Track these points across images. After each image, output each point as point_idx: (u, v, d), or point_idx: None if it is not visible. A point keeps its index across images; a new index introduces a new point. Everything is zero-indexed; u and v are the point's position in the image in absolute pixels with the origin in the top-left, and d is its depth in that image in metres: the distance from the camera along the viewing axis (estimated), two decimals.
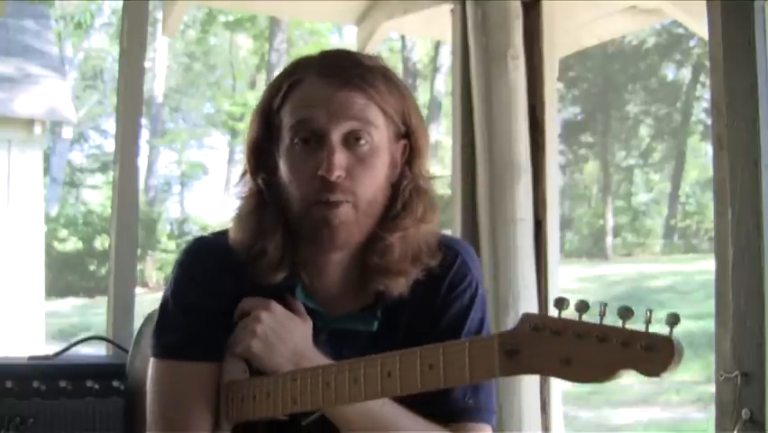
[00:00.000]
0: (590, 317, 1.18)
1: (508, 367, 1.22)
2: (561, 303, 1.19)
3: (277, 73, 1.59)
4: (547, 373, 1.21)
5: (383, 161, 1.49)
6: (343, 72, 1.46)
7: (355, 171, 1.45)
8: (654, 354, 1.12)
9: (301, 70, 1.50)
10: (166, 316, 1.55)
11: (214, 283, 1.52)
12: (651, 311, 1.14)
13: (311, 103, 1.46)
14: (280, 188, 1.50)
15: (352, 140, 1.46)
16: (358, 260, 1.51)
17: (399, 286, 1.48)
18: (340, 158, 1.44)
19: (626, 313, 1.15)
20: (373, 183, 1.47)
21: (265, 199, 1.51)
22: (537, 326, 1.20)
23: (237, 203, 1.55)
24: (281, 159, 1.50)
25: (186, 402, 1.49)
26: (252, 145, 1.53)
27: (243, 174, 1.56)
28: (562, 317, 1.19)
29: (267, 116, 1.52)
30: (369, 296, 1.51)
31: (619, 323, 1.15)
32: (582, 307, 1.17)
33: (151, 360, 1.54)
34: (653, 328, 1.14)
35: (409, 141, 1.53)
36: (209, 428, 1.50)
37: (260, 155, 1.53)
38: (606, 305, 1.16)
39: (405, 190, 1.51)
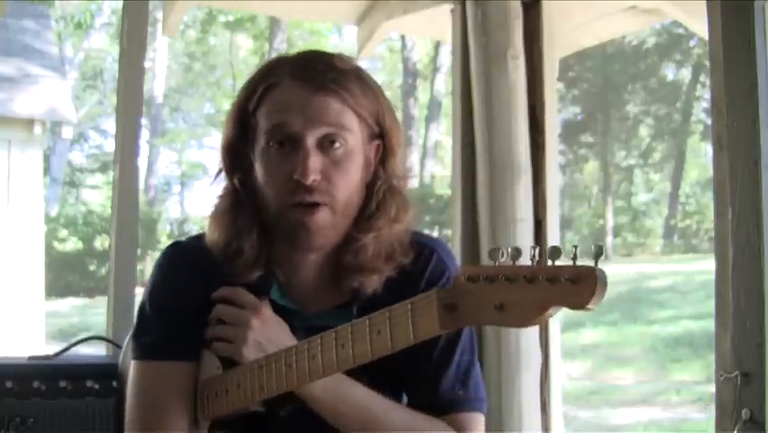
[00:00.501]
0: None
1: (448, 321, 1.24)
2: (495, 253, 1.21)
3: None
4: (484, 322, 1.22)
5: (357, 163, 1.51)
6: (318, 76, 1.48)
7: (330, 174, 1.48)
8: (579, 286, 1.13)
9: (276, 73, 1.51)
10: (143, 319, 1.58)
11: (190, 285, 1.55)
12: (576, 247, 1.16)
13: (286, 107, 1.48)
14: (256, 187, 1.52)
15: (326, 143, 1.48)
16: (332, 259, 1.53)
17: (373, 283, 1.50)
18: (315, 162, 1.46)
19: (554, 253, 1.15)
20: (348, 185, 1.50)
21: (240, 199, 1.54)
22: (472, 276, 1.21)
23: (213, 202, 1.58)
24: (257, 161, 1.52)
25: (162, 402, 1.51)
26: (227, 145, 1.55)
27: (218, 173, 1.58)
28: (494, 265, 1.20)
29: (242, 117, 1.53)
30: (344, 294, 1.53)
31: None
32: (516, 254, 1.19)
33: (131, 363, 1.57)
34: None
35: (383, 141, 1.55)
36: (186, 428, 1.51)
37: (235, 155, 1.55)
38: (536, 248, 1.18)
39: (379, 191, 1.53)
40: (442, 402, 1.52)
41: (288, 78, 1.49)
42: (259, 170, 1.51)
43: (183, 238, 1.67)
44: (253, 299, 1.51)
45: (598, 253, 1.14)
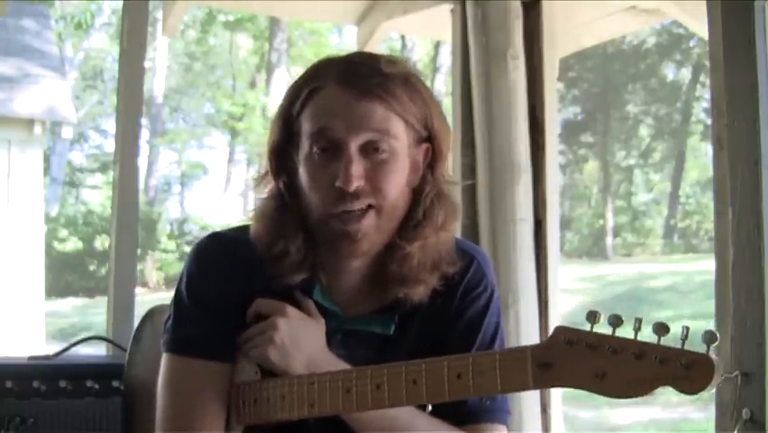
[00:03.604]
0: (624, 332, 1.18)
1: (542, 379, 1.23)
2: (593, 316, 1.19)
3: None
4: (581, 387, 1.21)
5: (403, 167, 1.48)
6: (363, 81, 1.45)
7: (374, 177, 1.45)
8: (693, 372, 1.13)
9: (321, 77, 1.48)
10: (181, 310, 1.54)
11: (231, 280, 1.52)
12: (687, 328, 1.15)
13: (330, 113, 1.45)
14: (301, 191, 1.50)
15: (370, 149, 1.45)
16: (377, 266, 1.51)
17: (418, 294, 1.48)
18: (357, 168, 1.43)
19: (660, 329, 1.15)
20: (394, 188, 1.47)
21: (286, 201, 1.51)
22: (571, 339, 1.21)
23: (257, 203, 1.55)
24: (301, 165, 1.49)
25: (201, 402, 1.48)
26: (273, 148, 1.53)
27: (264, 175, 1.56)
28: (594, 331, 1.19)
29: (286, 121, 1.51)
30: (385, 299, 1.51)
31: (653, 339, 1.16)
32: (616, 321, 1.18)
33: (164, 355, 1.53)
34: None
35: (431, 145, 1.52)
36: (222, 429, 1.49)
37: (281, 158, 1.52)
38: (641, 320, 1.17)
39: (426, 197, 1.50)
40: (467, 411, 1.50)
41: (333, 82, 1.46)
42: (303, 175, 1.49)
43: (222, 230, 1.63)
44: (275, 302, 1.49)
45: (712, 339, 1.13)
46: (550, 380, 1.23)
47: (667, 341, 1.16)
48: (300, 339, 1.46)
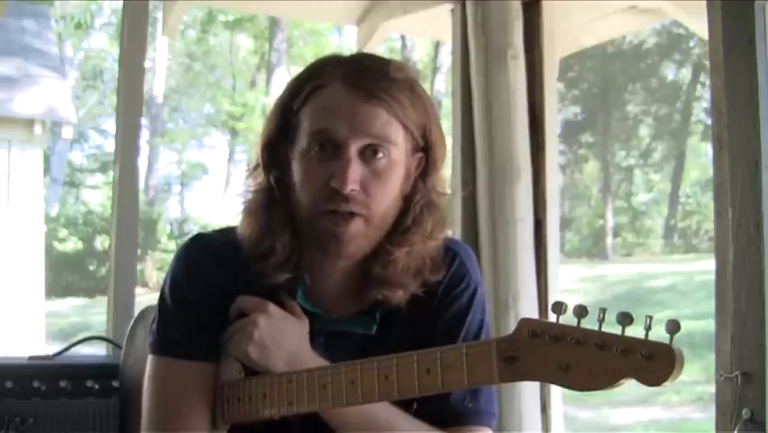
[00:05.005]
0: (590, 323, 1.17)
1: (507, 373, 1.22)
2: (559, 307, 1.18)
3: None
4: (546, 380, 1.20)
5: (398, 175, 1.48)
6: (369, 84, 1.44)
7: (370, 185, 1.44)
8: (655, 363, 1.11)
9: (326, 75, 1.47)
10: (165, 312, 1.54)
11: (213, 281, 1.52)
12: (651, 318, 1.13)
13: (332, 113, 1.44)
14: (291, 187, 1.49)
15: (369, 153, 1.44)
16: (361, 267, 1.50)
17: (397, 298, 1.48)
18: (355, 171, 1.42)
19: (624, 319, 1.13)
20: (386, 198, 1.46)
21: (275, 196, 1.50)
22: (536, 331, 1.19)
23: (246, 197, 1.53)
24: (295, 161, 1.48)
25: (185, 403, 1.48)
26: (267, 141, 1.51)
27: (255, 168, 1.54)
28: (560, 322, 1.18)
29: (285, 115, 1.50)
30: (366, 300, 1.50)
31: (618, 329, 1.14)
32: (581, 312, 1.16)
33: (149, 357, 1.53)
34: (654, 333, 1.13)
35: (426, 155, 1.51)
36: (208, 429, 1.49)
37: (274, 152, 1.51)
38: (605, 310, 1.15)
39: (416, 205, 1.49)
40: (450, 414, 1.49)
41: (339, 81, 1.45)
42: (296, 170, 1.47)
43: (206, 231, 1.62)
44: (257, 299, 1.49)
45: (675, 329, 1.12)
46: (516, 374, 1.22)
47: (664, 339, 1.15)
48: (281, 336, 1.46)
